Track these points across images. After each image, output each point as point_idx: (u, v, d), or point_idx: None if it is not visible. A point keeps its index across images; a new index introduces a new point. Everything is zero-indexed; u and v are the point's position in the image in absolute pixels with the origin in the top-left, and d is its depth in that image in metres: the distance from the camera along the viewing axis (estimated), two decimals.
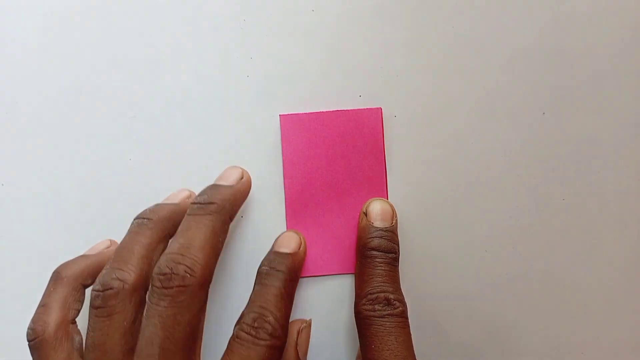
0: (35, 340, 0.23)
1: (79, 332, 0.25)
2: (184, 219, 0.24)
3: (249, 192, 0.27)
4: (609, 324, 0.27)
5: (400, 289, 0.25)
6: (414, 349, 0.24)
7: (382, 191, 0.27)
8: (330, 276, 0.27)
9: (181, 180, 0.28)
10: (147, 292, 0.22)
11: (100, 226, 0.28)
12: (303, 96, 0.27)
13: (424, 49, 0.27)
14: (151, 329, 0.21)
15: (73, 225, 0.28)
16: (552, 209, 0.27)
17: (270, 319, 0.23)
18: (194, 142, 0.28)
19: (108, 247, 0.27)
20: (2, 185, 0.28)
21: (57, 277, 0.25)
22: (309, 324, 0.26)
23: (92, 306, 0.23)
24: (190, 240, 0.22)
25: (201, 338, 0.23)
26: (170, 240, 0.23)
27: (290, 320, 0.24)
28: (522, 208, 0.27)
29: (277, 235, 0.27)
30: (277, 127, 0.27)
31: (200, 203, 0.24)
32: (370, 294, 0.24)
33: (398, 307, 0.24)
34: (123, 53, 0.28)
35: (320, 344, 0.27)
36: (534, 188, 0.27)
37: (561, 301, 0.27)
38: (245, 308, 0.23)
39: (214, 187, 0.25)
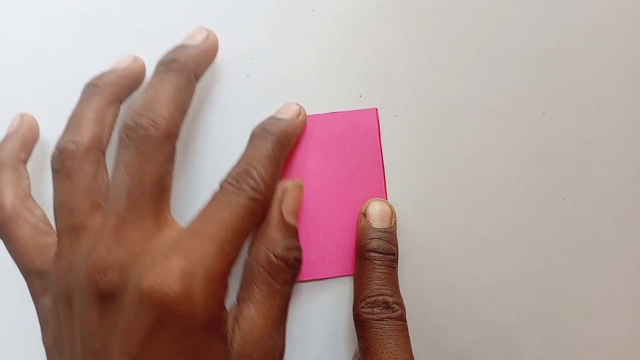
0: None
1: (38, 207, 0.26)
2: (149, 79, 0.24)
3: (215, 52, 0.27)
4: (609, 324, 0.27)
5: (399, 292, 0.25)
6: (413, 350, 0.24)
7: (380, 191, 0.27)
8: (330, 278, 0.27)
9: (181, 179, 0.28)
10: (117, 147, 0.23)
11: None
12: (303, 96, 0.27)
13: (424, 49, 0.27)
14: (118, 177, 0.22)
15: None
16: (552, 209, 0.27)
17: (255, 174, 0.23)
18: (193, 142, 0.28)
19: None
20: None
21: None
22: (297, 185, 0.26)
23: (53, 170, 0.23)
24: (153, 97, 0.23)
25: (170, 190, 0.23)
26: (137, 99, 0.24)
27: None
28: (522, 208, 0.27)
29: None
30: None
31: (163, 62, 0.24)
32: (369, 296, 0.24)
33: (397, 310, 0.24)
34: (123, 53, 0.28)
35: (318, 346, 0.27)
36: (534, 188, 0.27)
37: (561, 301, 0.27)
38: (233, 166, 0.24)
39: (177, 47, 0.25)
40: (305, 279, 0.27)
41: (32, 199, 0.26)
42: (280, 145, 0.24)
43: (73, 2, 0.28)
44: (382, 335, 0.23)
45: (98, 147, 0.24)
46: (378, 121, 0.27)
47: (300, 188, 0.26)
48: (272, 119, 0.26)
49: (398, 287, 0.25)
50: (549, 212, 0.27)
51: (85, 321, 0.21)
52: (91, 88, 0.25)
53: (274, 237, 0.24)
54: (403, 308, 0.24)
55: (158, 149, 0.22)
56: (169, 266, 0.20)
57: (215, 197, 0.23)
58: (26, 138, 0.27)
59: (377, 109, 0.27)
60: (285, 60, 0.28)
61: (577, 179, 0.27)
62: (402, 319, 0.24)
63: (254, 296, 0.23)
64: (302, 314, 0.27)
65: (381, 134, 0.27)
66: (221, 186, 0.23)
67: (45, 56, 0.28)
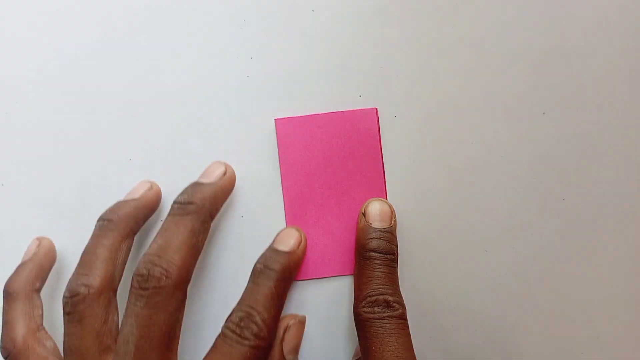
0: (9, 357, 0.25)
1: (50, 338, 0.26)
2: (165, 220, 0.24)
3: (232, 188, 0.27)
4: (609, 324, 0.27)
5: (399, 291, 0.25)
6: (414, 350, 0.24)
7: (380, 191, 0.27)
8: (330, 277, 0.27)
9: (181, 179, 0.28)
10: (129, 294, 0.23)
11: None
12: (302, 96, 0.27)
13: (424, 49, 0.27)
14: (128, 328, 0.22)
15: (73, 226, 0.28)
16: (552, 209, 0.27)
17: (257, 319, 0.23)
18: (194, 142, 0.28)
19: (45, 251, 0.27)
20: (2, 185, 0.29)
21: (6, 295, 0.26)
22: (299, 321, 0.26)
23: (64, 312, 0.23)
24: (167, 242, 0.23)
25: (178, 336, 0.23)
26: (152, 241, 0.24)
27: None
28: (522, 208, 0.27)
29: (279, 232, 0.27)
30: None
31: (180, 203, 0.24)
32: (370, 296, 0.24)
33: (397, 309, 0.24)
34: (123, 53, 0.28)
35: (319, 345, 0.27)
36: (534, 188, 0.27)
37: (561, 301, 0.27)
38: (235, 306, 0.24)
39: (194, 186, 0.25)
40: (305, 278, 0.27)
41: (44, 329, 0.26)
42: (283, 282, 0.24)
43: (73, 3, 0.28)
44: (383, 334, 0.23)
45: (110, 288, 0.24)
46: (378, 121, 0.27)
47: (302, 324, 0.26)
48: (274, 252, 0.25)
49: (398, 287, 0.25)
50: (549, 212, 0.27)
51: None
52: (106, 224, 0.25)
53: None
54: (403, 307, 0.24)
55: (169, 299, 0.22)
56: None
57: (218, 348, 0.23)
58: (43, 265, 0.27)
59: (377, 109, 0.27)
60: (285, 60, 0.28)
61: (577, 179, 0.27)
62: (402, 317, 0.24)
63: None
64: (303, 313, 0.27)
65: (381, 134, 0.27)
66: (223, 333, 0.23)
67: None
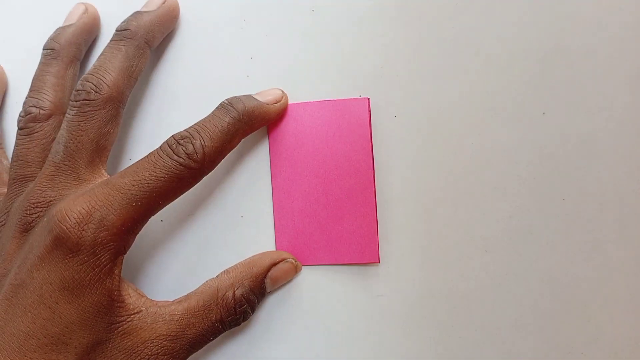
0: None
1: (6, 157, 0.29)
2: (104, 47, 0.26)
3: (172, 15, 0.28)
4: (609, 324, 0.27)
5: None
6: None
7: (369, 180, 0.27)
8: (315, 266, 0.27)
9: None
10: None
11: None
12: (302, 96, 0.28)
13: (424, 49, 0.27)
14: (60, 132, 0.25)
15: None
16: (552, 209, 0.27)
17: (197, 143, 0.24)
18: None
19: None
20: None
21: None
22: (295, 266, 0.27)
23: (18, 128, 0.26)
24: (102, 64, 0.25)
25: (108, 149, 0.25)
26: None
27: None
28: (522, 208, 0.27)
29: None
30: None
31: (118, 30, 0.27)
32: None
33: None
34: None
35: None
36: (534, 188, 0.27)
37: (561, 301, 0.27)
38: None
39: (133, 14, 0.27)
40: None
41: (2, 149, 0.29)
42: (239, 123, 0.25)
43: (73, 3, 0.28)
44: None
45: (60, 112, 0.26)
46: (369, 111, 0.27)
47: (296, 268, 0.27)
48: (247, 97, 0.26)
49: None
50: (549, 212, 0.27)
51: (4, 249, 0.24)
52: (49, 52, 0.27)
53: (244, 282, 0.25)
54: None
55: (98, 111, 0.25)
56: (73, 206, 0.22)
57: (147, 156, 0.24)
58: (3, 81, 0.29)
59: (368, 99, 0.27)
60: (285, 60, 0.28)
61: (577, 179, 0.27)
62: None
63: (190, 305, 0.24)
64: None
65: (381, 133, 0.27)
66: (161, 146, 0.24)
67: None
